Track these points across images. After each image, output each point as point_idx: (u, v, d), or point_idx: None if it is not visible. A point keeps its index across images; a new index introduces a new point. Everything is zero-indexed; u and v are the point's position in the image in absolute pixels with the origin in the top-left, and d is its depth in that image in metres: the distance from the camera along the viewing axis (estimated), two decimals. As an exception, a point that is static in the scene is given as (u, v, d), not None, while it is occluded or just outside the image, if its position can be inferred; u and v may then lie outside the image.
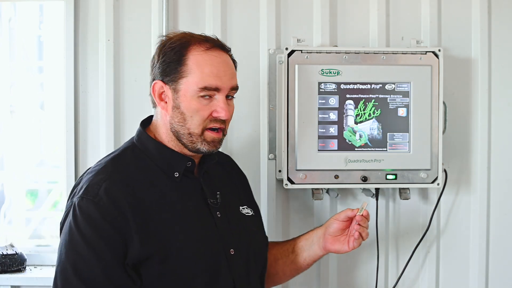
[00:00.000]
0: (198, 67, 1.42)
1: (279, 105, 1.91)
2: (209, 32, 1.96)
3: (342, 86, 1.85)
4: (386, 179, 1.86)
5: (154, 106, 1.51)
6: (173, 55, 1.44)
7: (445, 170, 1.95)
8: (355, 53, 1.85)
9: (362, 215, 1.57)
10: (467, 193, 2.03)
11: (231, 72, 1.48)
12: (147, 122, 1.55)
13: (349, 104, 1.85)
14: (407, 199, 1.93)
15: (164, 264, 1.38)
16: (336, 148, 1.85)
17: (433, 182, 1.88)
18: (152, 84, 1.47)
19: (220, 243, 1.46)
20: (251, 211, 1.62)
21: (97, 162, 1.50)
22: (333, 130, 1.85)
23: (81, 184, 1.42)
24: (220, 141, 1.48)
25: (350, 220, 1.60)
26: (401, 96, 1.86)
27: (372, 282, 2.01)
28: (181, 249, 1.40)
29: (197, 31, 1.96)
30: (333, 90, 1.85)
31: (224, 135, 1.49)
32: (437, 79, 1.86)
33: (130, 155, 1.48)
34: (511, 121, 2.02)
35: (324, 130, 1.85)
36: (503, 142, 2.02)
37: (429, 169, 1.87)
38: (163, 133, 1.49)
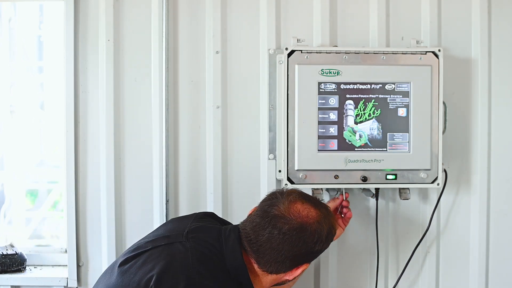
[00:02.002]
0: None
1: (279, 105, 1.91)
2: (209, 32, 1.97)
3: (342, 86, 1.85)
4: (386, 179, 1.86)
5: (267, 271, 1.50)
6: (330, 242, 1.53)
7: (445, 170, 1.95)
8: (355, 53, 1.85)
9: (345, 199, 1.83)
10: (467, 193, 2.03)
11: None
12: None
13: (349, 104, 1.85)
14: (407, 199, 1.93)
15: None
16: (336, 148, 1.85)
17: (433, 182, 1.88)
18: (301, 265, 1.50)
19: None
20: None
21: (196, 273, 1.41)
22: (333, 130, 1.85)
23: None
24: None
25: (336, 208, 1.85)
26: (401, 96, 1.86)
27: (372, 282, 2.01)
28: None
29: (197, 31, 1.98)
30: (333, 90, 1.85)
31: None
32: (437, 79, 1.86)
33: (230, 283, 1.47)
34: (511, 121, 2.02)
35: (324, 130, 1.85)
36: (503, 142, 2.02)
37: (429, 169, 1.87)
38: (262, 286, 1.53)
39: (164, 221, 1.92)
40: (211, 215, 1.69)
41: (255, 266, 1.50)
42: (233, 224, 1.63)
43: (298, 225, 1.46)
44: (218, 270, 1.44)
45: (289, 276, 1.51)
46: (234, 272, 1.46)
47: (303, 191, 1.59)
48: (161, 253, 1.43)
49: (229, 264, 1.46)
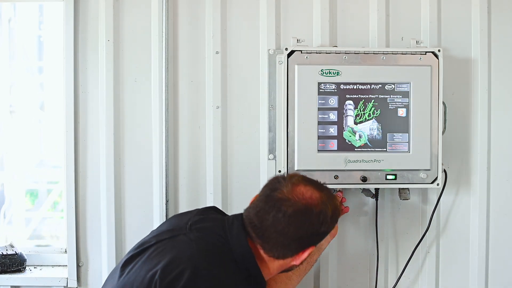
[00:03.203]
0: None
1: (279, 105, 1.91)
2: (209, 32, 1.97)
3: (342, 86, 1.85)
4: (386, 179, 1.86)
5: (274, 256, 1.48)
6: (334, 224, 1.51)
7: (444, 170, 1.95)
8: (355, 53, 1.85)
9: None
10: (467, 193, 2.03)
11: None
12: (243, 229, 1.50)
13: (349, 104, 1.85)
14: (407, 199, 1.93)
15: None
16: (336, 148, 1.85)
17: (433, 182, 1.88)
18: (307, 249, 1.48)
19: None
20: None
21: (201, 261, 1.40)
22: (333, 130, 1.85)
23: None
24: None
25: None
26: (401, 96, 1.86)
27: (372, 282, 2.01)
28: None
29: (197, 31, 1.97)
30: (333, 90, 1.85)
31: None
32: (437, 79, 1.86)
33: (235, 270, 1.44)
34: (511, 121, 2.02)
35: (324, 130, 1.85)
36: (503, 142, 2.02)
37: (428, 169, 1.87)
38: (271, 273, 1.52)
39: (164, 221, 1.92)
40: (214, 208, 1.68)
41: (261, 252, 1.47)
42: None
43: (303, 206, 1.44)
44: (224, 258, 1.43)
45: (296, 261, 1.50)
46: (240, 259, 1.45)
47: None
48: (165, 247, 1.43)
49: (235, 251, 1.45)
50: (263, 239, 1.46)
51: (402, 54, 1.86)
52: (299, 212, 1.43)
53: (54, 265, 2.12)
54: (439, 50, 1.87)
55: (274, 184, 1.48)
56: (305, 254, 1.48)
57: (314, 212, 1.44)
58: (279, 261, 1.49)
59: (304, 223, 1.43)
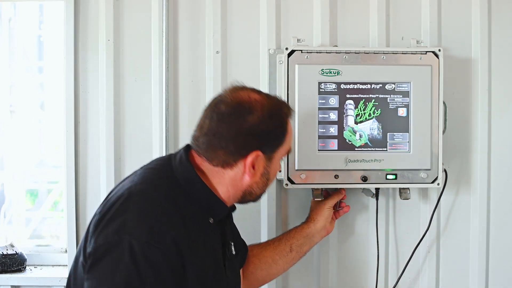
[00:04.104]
0: (289, 136, 1.46)
1: (279, 105, 1.91)
2: (209, 32, 1.97)
3: (342, 86, 1.85)
4: (386, 179, 1.86)
5: (219, 165, 1.40)
6: (276, 127, 1.41)
7: (445, 170, 1.95)
8: (355, 53, 1.85)
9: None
10: (467, 193, 2.03)
11: None
12: (187, 155, 1.43)
13: (349, 104, 1.85)
14: (407, 199, 1.93)
15: None
16: (336, 148, 1.85)
17: (433, 182, 1.88)
18: (249, 154, 1.38)
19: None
20: (234, 248, 1.59)
21: (138, 184, 1.35)
22: (333, 130, 1.85)
23: (131, 217, 1.26)
24: None
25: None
26: (401, 96, 1.86)
27: (372, 282, 2.01)
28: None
29: (197, 31, 1.97)
30: (333, 90, 1.85)
31: None
32: (437, 79, 1.86)
33: (179, 192, 1.37)
34: (511, 121, 2.02)
35: (324, 130, 1.85)
36: (503, 142, 2.02)
37: (429, 169, 1.87)
38: (225, 191, 1.42)
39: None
40: None
41: (208, 165, 1.40)
42: None
43: (236, 103, 1.37)
44: (168, 185, 1.37)
45: (246, 173, 1.39)
46: (186, 184, 1.38)
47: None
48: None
49: (180, 178, 1.38)
50: (206, 149, 1.39)
51: (402, 53, 1.86)
52: (231, 109, 1.37)
53: (54, 265, 2.12)
54: (439, 50, 1.87)
55: (217, 96, 1.45)
56: (249, 159, 1.37)
57: (247, 106, 1.37)
58: (227, 172, 1.40)
59: (236, 117, 1.36)
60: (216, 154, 1.38)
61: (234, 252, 1.57)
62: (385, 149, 1.86)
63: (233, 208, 1.53)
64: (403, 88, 1.86)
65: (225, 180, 1.41)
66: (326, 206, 1.82)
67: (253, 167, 1.40)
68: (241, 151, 1.38)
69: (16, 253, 2.05)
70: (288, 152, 1.49)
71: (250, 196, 1.46)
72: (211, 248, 1.40)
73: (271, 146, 1.42)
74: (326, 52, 1.85)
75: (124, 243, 1.21)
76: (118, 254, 1.21)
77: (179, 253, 1.26)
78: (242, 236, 1.73)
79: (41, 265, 2.11)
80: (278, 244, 1.79)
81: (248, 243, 1.74)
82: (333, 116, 1.85)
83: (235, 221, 1.68)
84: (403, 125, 1.86)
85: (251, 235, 1.94)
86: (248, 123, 1.37)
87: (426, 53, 1.86)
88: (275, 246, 1.78)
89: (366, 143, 1.86)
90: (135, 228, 1.24)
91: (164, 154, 1.94)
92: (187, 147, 1.45)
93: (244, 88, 1.44)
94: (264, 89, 1.96)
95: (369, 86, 1.85)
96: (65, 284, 1.42)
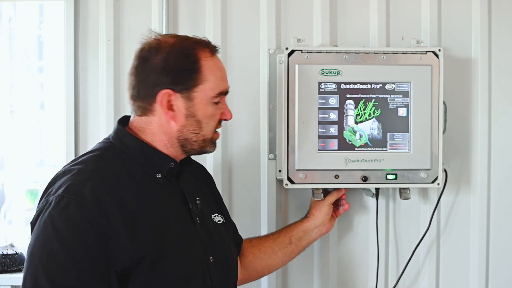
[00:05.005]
0: (212, 73, 1.42)
1: (279, 105, 1.91)
2: (209, 32, 1.97)
3: (342, 86, 1.85)
4: (386, 179, 1.86)
5: (142, 114, 1.41)
6: (183, 61, 1.39)
7: (445, 170, 1.95)
8: (355, 53, 1.85)
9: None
10: (467, 193, 2.03)
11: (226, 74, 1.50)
12: (124, 122, 1.47)
13: (349, 104, 1.85)
14: (407, 199, 1.93)
15: (154, 268, 1.30)
16: (336, 148, 1.85)
17: (433, 182, 1.88)
18: (158, 93, 1.37)
19: (201, 250, 1.43)
20: (221, 218, 1.59)
21: (73, 162, 1.39)
22: (333, 130, 1.85)
23: (58, 183, 1.31)
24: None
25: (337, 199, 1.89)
26: (401, 96, 1.86)
27: (372, 282, 2.01)
28: (171, 252, 1.34)
29: (197, 31, 1.97)
30: (333, 90, 1.85)
31: None
32: (437, 79, 1.86)
33: (112, 153, 1.40)
34: (511, 121, 2.02)
35: (324, 130, 1.85)
36: (503, 142, 2.02)
37: (429, 169, 1.87)
38: (159, 140, 1.41)
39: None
40: None
41: (138, 119, 1.42)
42: None
43: (146, 49, 1.41)
44: (97, 154, 1.39)
45: (166, 115, 1.38)
46: (119, 143, 1.41)
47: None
48: None
49: (116, 142, 1.41)
50: (132, 105, 1.42)
51: (402, 53, 1.86)
52: (140, 56, 1.41)
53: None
54: (439, 50, 1.87)
55: None
56: (158, 100, 1.37)
57: (153, 50, 1.39)
58: (152, 120, 1.40)
59: (143, 63, 1.39)
60: (136, 104, 1.41)
61: (220, 220, 1.57)
62: (385, 149, 1.86)
63: (188, 160, 1.51)
64: (403, 88, 1.86)
65: (154, 128, 1.41)
66: (326, 202, 1.84)
67: (171, 108, 1.38)
68: (151, 92, 1.38)
69: (16, 253, 2.05)
70: (221, 93, 1.44)
71: (189, 143, 1.42)
72: (162, 205, 1.38)
73: (184, 84, 1.39)
74: (326, 52, 1.85)
75: (48, 204, 1.27)
76: (43, 215, 1.27)
77: (105, 213, 1.26)
78: (241, 236, 1.74)
79: (41, 265, 2.11)
80: (278, 236, 1.81)
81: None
82: (333, 116, 1.85)
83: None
84: (403, 125, 1.86)
85: (251, 234, 1.94)
86: (154, 63, 1.37)
87: (426, 53, 1.86)
88: (274, 238, 1.80)
89: (366, 143, 1.86)
90: (58, 189, 1.28)
91: (164, 154, 1.94)
92: (124, 118, 1.48)
93: (168, 35, 1.46)
94: (264, 89, 1.96)
95: (369, 86, 1.85)
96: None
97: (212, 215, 1.56)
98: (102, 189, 1.29)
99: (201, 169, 1.69)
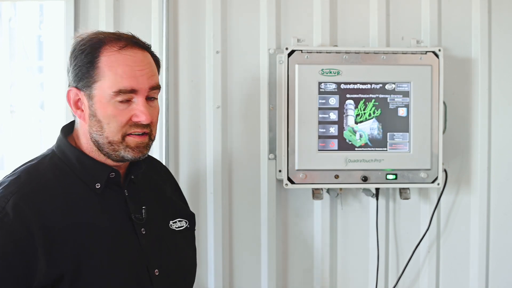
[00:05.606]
0: (111, 69, 1.28)
1: (279, 105, 1.91)
2: (209, 32, 1.97)
3: (342, 86, 1.85)
4: (386, 179, 1.86)
5: (74, 116, 1.36)
6: (84, 57, 1.29)
7: (445, 170, 1.95)
8: (355, 53, 1.85)
9: None
10: (467, 193, 2.03)
11: (148, 71, 1.31)
12: (69, 129, 1.39)
13: (349, 104, 1.85)
14: (407, 199, 1.93)
15: (76, 286, 1.24)
16: (336, 148, 1.85)
17: (433, 182, 1.88)
18: (67, 91, 1.33)
19: (143, 263, 1.33)
20: (185, 223, 1.49)
21: (13, 171, 1.34)
22: (333, 130, 1.85)
23: None
24: (146, 146, 1.33)
25: None
26: (401, 96, 1.86)
27: (372, 282, 2.01)
28: (94, 268, 1.26)
29: (197, 31, 1.97)
30: (333, 90, 1.85)
31: (151, 139, 1.34)
32: (437, 79, 1.86)
33: (48, 163, 1.33)
34: (511, 121, 2.02)
35: (324, 130, 1.85)
36: (503, 142, 2.02)
37: (429, 169, 1.87)
38: (84, 143, 1.34)
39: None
40: None
41: (76, 123, 1.36)
42: None
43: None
44: (34, 165, 1.33)
45: (77, 114, 1.33)
46: (60, 153, 1.34)
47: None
48: None
49: (58, 152, 1.34)
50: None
51: (402, 53, 1.86)
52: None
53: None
54: (439, 50, 1.87)
55: None
56: (67, 95, 1.33)
57: (73, 44, 1.33)
58: (76, 120, 1.36)
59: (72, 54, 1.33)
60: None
61: (182, 226, 1.47)
62: (385, 149, 1.86)
63: (137, 164, 1.39)
64: (403, 88, 1.86)
65: (79, 131, 1.35)
66: None
67: (80, 108, 1.32)
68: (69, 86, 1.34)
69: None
70: (121, 91, 1.27)
71: (101, 147, 1.31)
72: (95, 218, 1.30)
73: (84, 82, 1.30)
74: (326, 52, 1.85)
75: None
76: None
77: (27, 230, 1.21)
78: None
79: (41, 265, 2.11)
80: None
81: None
82: (333, 116, 1.85)
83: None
84: (403, 125, 1.86)
85: (251, 235, 1.94)
86: (67, 62, 1.34)
87: (426, 53, 1.86)
88: None
89: (366, 143, 1.86)
90: None
91: (164, 154, 1.94)
92: (68, 125, 1.40)
93: (96, 32, 1.35)
94: (264, 89, 1.96)
95: (369, 86, 1.85)
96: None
97: (171, 222, 1.45)
98: (25, 204, 1.24)
99: (157, 169, 1.57)
